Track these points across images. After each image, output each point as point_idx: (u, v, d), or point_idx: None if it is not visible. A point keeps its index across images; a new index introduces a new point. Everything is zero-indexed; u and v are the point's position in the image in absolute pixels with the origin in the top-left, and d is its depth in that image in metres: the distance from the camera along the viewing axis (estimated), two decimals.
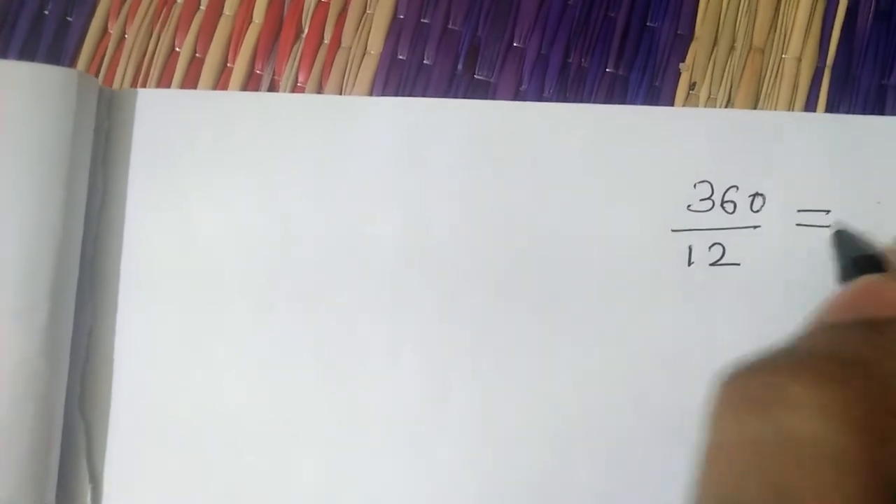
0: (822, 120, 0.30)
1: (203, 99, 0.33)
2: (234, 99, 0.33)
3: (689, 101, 0.32)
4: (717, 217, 0.30)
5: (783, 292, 0.29)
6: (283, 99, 0.33)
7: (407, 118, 0.32)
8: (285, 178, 0.32)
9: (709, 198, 0.30)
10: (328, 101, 0.32)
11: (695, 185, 0.30)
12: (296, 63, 0.33)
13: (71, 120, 0.30)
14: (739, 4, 0.32)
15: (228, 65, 0.34)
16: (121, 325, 0.31)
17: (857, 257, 0.28)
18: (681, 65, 0.32)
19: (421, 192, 0.31)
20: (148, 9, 0.34)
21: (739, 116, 0.31)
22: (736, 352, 0.29)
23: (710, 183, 0.30)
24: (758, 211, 0.30)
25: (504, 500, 0.29)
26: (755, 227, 0.30)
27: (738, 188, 0.30)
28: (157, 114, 0.32)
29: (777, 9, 0.32)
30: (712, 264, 0.30)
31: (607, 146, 0.31)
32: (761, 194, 0.30)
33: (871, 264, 0.27)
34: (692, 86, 0.32)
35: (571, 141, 0.31)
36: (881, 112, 0.31)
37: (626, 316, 0.30)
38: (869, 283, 0.25)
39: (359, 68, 0.33)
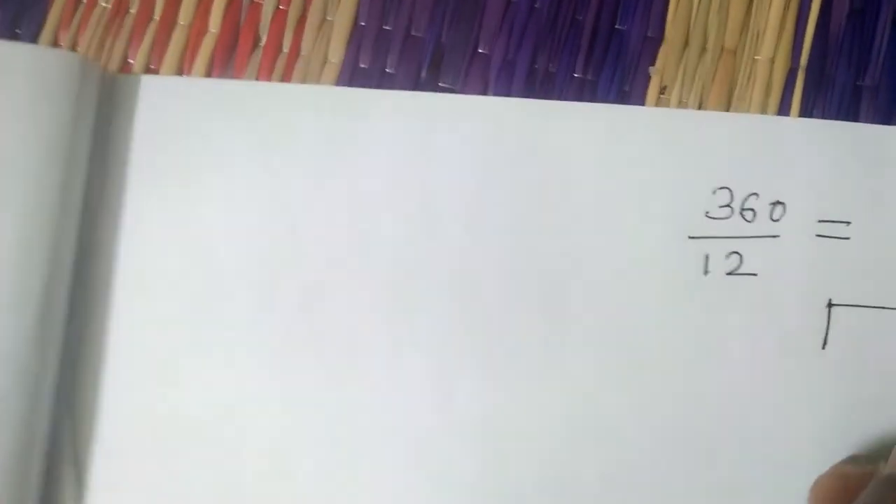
0: (847, 128, 0.29)
1: (209, 87, 0.31)
2: (242, 87, 0.31)
3: (660, 104, 0.31)
4: (736, 225, 0.29)
5: (801, 305, 0.28)
6: (292, 89, 0.31)
7: (416, 113, 0.31)
8: (291, 172, 0.31)
9: (728, 205, 0.29)
10: (338, 93, 0.31)
11: (714, 192, 0.29)
12: (254, 73, 0.32)
13: (71, 107, 0.29)
14: (710, 5, 0.31)
15: (184, 76, 0.32)
16: (115, 321, 0.30)
17: None
18: (651, 68, 0.31)
19: (429, 190, 0.30)
20: (100, 20, 0.33)
21: (762, 121, 0.30)
22: (750, 365, 0.28)
23: (729, 189, 0.29)
24: (778, 220, 0.29)
25: None
26: (774, 236, 0.29)
27: (758, 196, 0.29)
28: (162, 101, 0.31)
29: (749, 9, 0.31)
30: (729, 273, 0.29)
31: (624, 148, 0.30)
32: (782, 203, 0.29)
33: None
34: (663, 89, 0.31)
35: (586, 141, 0.30)
36: (856, 114, 0.30)
37: (638, 324, 0.29)
38: None
39: (319, 78, 0.32)
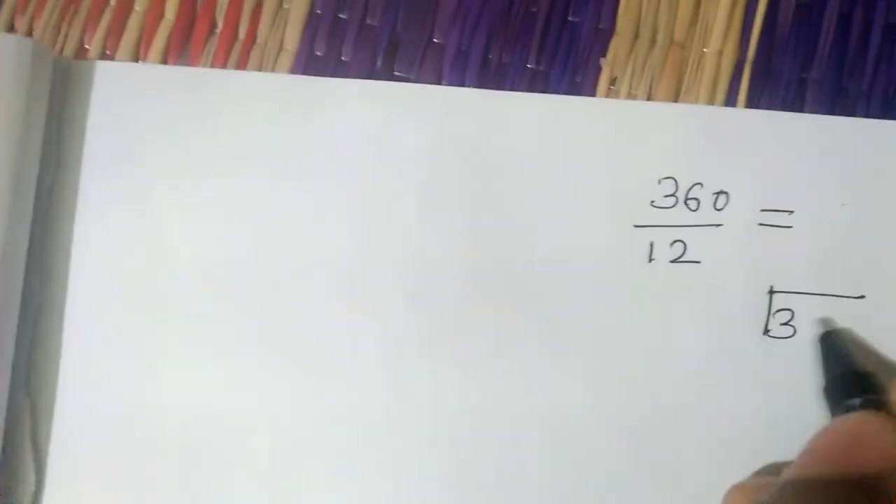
0: (791, 119, 0.30)
1: (165, 73, 0.32)
2: (197, 74, 0.32)
3: (610, 95, 0.31)
4: (680, 214, 0.30)
5: (743, 291, 0.29)
6: (248, 76, 0.32)
7: (371, 102, 0.31)
8: (246, 159, 0.31)
9: (673, 194, 0.30)
10: (294, 81, 0.32)
11: (659, 181, 0.30)
12: (209, 60, 0.32)
13: (24, 93, 0.29)
14: None
15: (140, 62, 0.33)
16: (70, 305, 0.31)
17: (843, 373, 0.25)
18: (602, 60, 0.32)
19: (383, 178, 0.31)
20: (56, 5, 0.33)
21: (709, 112, 0.30)
22: (692, 350, 0.29)
23: (674, 179, 0.30)
24: (721, 209, 0.30)
25: (459, 498, 0.29)
26: (717, 225, 0.29)
27: (702, 185, 0.30)
28: (117, 87, 0.32)
29: (698, 2, 0.32)
30: (673, 261, 0.29)
31: (574, 138, 0.30)
32: (725, 192, 0.30)
33: (861, 384, 0.25)
34: (613, 81, 0.31)
35: (537, 131, 0.31)
36: (801, 106, 0.30)
37: (584, 310, 0.29)
38: (859, 426, 0.23)
39: (274, 65, 0.32)
